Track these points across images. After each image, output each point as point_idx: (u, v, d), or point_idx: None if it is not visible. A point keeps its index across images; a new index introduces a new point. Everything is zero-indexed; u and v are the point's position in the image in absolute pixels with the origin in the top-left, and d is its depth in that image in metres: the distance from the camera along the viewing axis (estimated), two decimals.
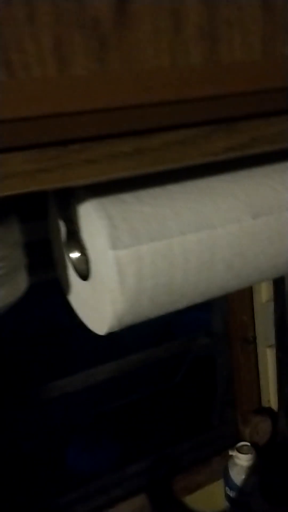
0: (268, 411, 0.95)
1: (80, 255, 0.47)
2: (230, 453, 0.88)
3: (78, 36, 0.28)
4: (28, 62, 0.27)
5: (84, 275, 0.47)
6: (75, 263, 0.48)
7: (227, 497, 0.89)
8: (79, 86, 0.28)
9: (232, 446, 0.89)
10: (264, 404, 0.96)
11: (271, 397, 0.95)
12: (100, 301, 0.45)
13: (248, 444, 0.89)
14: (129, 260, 0.41)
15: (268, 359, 0.92)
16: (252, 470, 0.86)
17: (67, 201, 0.45)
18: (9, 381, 1.22)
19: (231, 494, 0.88)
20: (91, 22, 0.28)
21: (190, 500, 0.90)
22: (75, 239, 0.46)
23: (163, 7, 0.29)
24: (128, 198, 0.42)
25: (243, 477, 0.86)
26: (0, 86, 0.27)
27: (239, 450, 0.88)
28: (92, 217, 0.42)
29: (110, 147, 0.31)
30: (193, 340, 1.04)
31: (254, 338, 0.91)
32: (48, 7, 0.27)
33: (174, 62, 0.30)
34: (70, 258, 0.49)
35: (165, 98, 0.31)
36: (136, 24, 0.29)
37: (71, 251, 0.48)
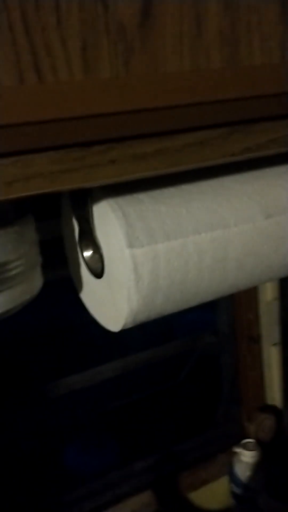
0: (273, 408, 0.96)
1: (94, 254, 0.48)
2: (235, 450, 0.89)
3: (104, 41, 0.28)
4: (56, 65, 0.28)
5: (98, 274, 0.48)
6: (89, 261, 0.49)
7: (233, 493, 0.90)
8: (105, 88, 0.29)
9: (237, 443, 0.90)
10: (269, 401, 0.97)
11: (276, 395, 0.96)
12: (115, 299, 0.46)
13: (253, 441, 0.90)
14: (145, 258, 0.42)
15: (273, 357, 0.93)
16: (257, 467, 0.87)
17: (83, 200, 0.45)
18: (12, 380, 1.23)
19: (237, 490, 0.89)
20: (117, 26, 0.29)
21: (195, 496, 0.91)
22: (89, 238, 0.47)
23: (185, 12, 0.30)
24: (144, 198, 0.43)
25: (248, 473, 0.87)
26: (29, 89, 0.27)
27: (244, 447, 0.89)
28: (108, 216, 0.42)
29: (133, 148, 0.32)
30: (199, 338, 1.05)
31: (259, 336, 0.92)
32: (76, 13, 0.27)
33: (195, 65, 0.31)
34: (84, 257, 0.49)
35: (186, 101, 0.32)
36: (159, 29, 0.30)
37: (85, 250, 0.49)
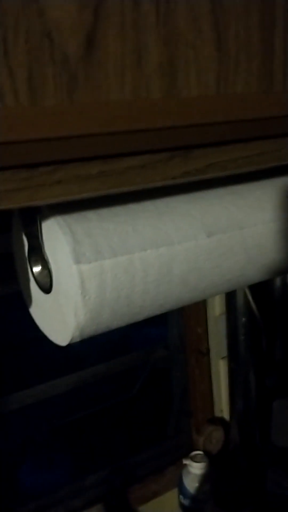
0: (221, 420, 0.99)
1: (43, 269, 0.49)
2: (184, 462, 0.91)
3: (49, 71, 0.30)
4: (3, 93, 0.29)
5: (46, 289, 0.49)
6: (38, 277, 0.50)
7: (181, 505, 0.91)
8: (50, 115, 0.31)
9: (187, 455, 0.92)
10: (217, 413, 1.00)
11: (223, 407, 0.98)
12: (63, 313, 0.47)
13: (202, 453, 0.92)
14: (92, 274, 0.44)
15: (221, 370, 0.96)
16: (205, 478, 0.89)
17: (32, 217, 0.47)
18: None
19: (185, 502, 0.90)
20: (62, 57, 0.31)
21: (145, 509, 0.92)
22: (38, 254, 0.48)
23: (127, 46, 0.33)
24: (91, 216, 0.45)
25: (197, 485, 0.89)
26: None
27: (193, 459, 0.90)
28: (56, 233, 0.44)
29: (78, 170, 0.34)
30: (151, 352, 1.07)
31: (208, 350, 0.95)
32: (22, 44, 0.29)
33: (136, 95, 0.33)
34: (33, 272, 0.51)
35: (128, 128, 0.34)
36: (102, 60, 0.32)
37: (35, 265, 0.50)
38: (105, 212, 0.46)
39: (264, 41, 0.37)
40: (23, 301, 0.56)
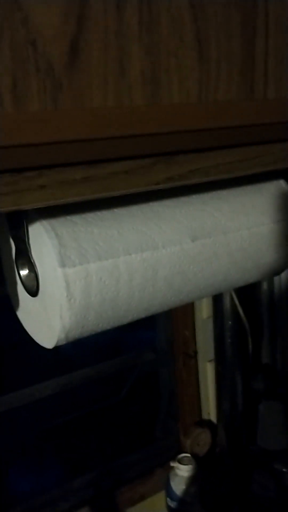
0: (208, 423, 0.99)
1: (30, 273, 0.50)
2: (172, 464, 0.91)
3: (33, 78, 0.31)
4: None
5: (33, 292, 0.49)
6: (24, 280, 0.51)
7: (168, 507, 0.92)
8: (34, 121, 0.32)
9: (175, 457, 0.92)
10: (205, 416, 1.00)
11: (210, 410, 0.99)
12: (49, 316, 0.48)
13: (189, 455, 0.92)
14: (77, 277, 0.44)
15: (208, 373, 0.97)
16: (192, 480, 0.90)
17: (19, 221, 0.47)
18: None
19: (172, 504, 0.91)
20: (46, 65, 0.31)
21: (133, 511, 0.93)
22: (25, 257, 0.49)
23: (110, 54, 0.33)
24: (77, 220, 0.46)
25: (184, 487, 0.89)
26: None
27: (180, 461, 0.91)
28: (42, 237, 0.45)
29: (62, 175, 0.35)
30: (139, 355, 1.07)
31: (196, 353, 0.95)
32: (7, 52, 0.30)
33: (119, 102, 0.34)
34: (20, 275, 0.51)
35: (111, 134, 0.35)
36: (85, 68, 0.33)
37: (22, 269, 0.51)
38: (91, 216, 0.47)
39: (245, 50, 0.38)
40: (10, 304, 0.57)
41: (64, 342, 0.49)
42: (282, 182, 0.59)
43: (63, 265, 0.43)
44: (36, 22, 0.30)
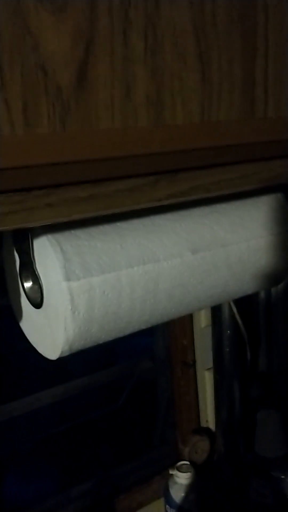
0: (206, 431, 1.00)
1: (33, 285, 0.51)
2: (170, 472, 0.92)
3: (43, 101, 0.32)
4: (0, 124, 0.31)
5: (37, 304, 0.50)
6: (28, 292, 0.52)
7: None
8: (43, 142, 0.33)
9: (173, 465, 0.93)
10: (203, 424, 1.01)
11: (209, 418, 1.00)
12: (53, 328, 0.48)
13: (187, 463, 0.93)
14: (81, 290, 0.45)
15: (206, 381, 0.97)
16: (191, 488, 0.90)
17: (23, 234, 0.48)
18: None
19: None
20: (55, 89, 0.32)
21: None
22: (29, 270, 0.50)
23: (116, 77, 0.34)
24: (81, 234, 0.47)
25: (183, 494, 0.90)
26: None
27: (179, 469, 0.92)
28: (47, 251, 0.46)
29: (68, 193, 0.36)
30: (136, 364, 1.08)
31: (194, 361, 0.96)
32: (18, 78, 0.31)
33: (125, 123, 0.35)
34: (24, 287, 0.52)
35: (117, 154, 0.36)
36: (93, 91, 0.34)
37: (26, 281, 0.52)
38: (94, 230, 0.48)
39: (246, 72, 0.40)
40: (9, 314, 0.57)
41: (67, 354, 0.50)
42: (279, 196, 0.61)
43: (67, 278, 0.44)
44: (46, 48, 0.31)
